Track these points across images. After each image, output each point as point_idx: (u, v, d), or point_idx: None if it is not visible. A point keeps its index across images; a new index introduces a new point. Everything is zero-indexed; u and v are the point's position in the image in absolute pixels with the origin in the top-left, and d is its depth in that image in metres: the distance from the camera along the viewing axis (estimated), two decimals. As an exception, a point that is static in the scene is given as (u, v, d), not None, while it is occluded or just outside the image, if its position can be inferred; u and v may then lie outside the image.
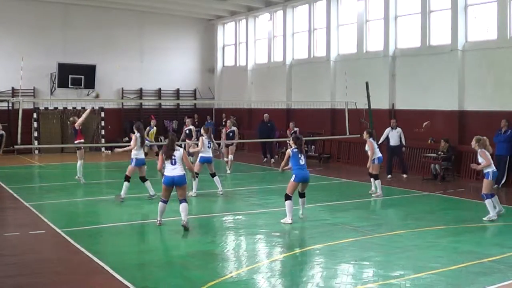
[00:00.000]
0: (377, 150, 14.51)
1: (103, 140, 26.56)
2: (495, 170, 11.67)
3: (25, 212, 12.39)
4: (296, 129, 21.64)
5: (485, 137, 11.79)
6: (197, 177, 13.68)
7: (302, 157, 11.15)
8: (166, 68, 28.69)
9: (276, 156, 23.26)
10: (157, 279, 7.75)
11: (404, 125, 18.18)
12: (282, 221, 11.12)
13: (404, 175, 17.88)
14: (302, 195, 11.38)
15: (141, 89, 28.35)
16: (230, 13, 28.48)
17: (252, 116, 27.03)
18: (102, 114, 27.08)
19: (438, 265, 8.17)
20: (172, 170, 10.41)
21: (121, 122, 27.36)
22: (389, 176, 17.62)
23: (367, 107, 18.99)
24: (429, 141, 18.60)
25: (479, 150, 11.55)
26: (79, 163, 16.17)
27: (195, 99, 29.34)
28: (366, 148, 14.55)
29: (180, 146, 11.44)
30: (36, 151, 25.52)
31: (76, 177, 16.21)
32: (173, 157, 10.43)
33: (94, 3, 26.77)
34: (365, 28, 21.47)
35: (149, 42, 28.38)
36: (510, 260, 8.52)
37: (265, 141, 22.18)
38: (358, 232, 10.42)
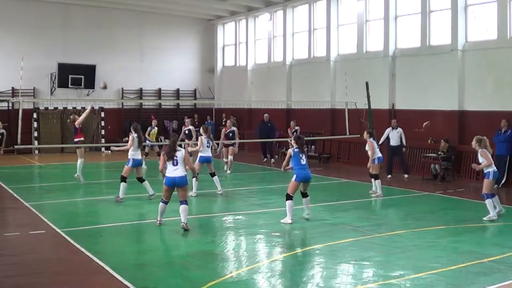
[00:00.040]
0: (377, 150, 14.51)
1: (103, 140, 26.56)
2: (496, 170, 11.67)
3: (25, 212, 12.39)
4: (297, 127, 21.64)
5: (485, 137, 11.79)
6: (193, 177, 13.72)
7: (304, 157, 11.15)
8: (166, 68, 28.69)
9: (276, 156, 23.28)
10: (157, 279, 7.74)
11: (404, 125, 18.18)
12: (282, 221, 11.12)
13: (406, 175, 17.87)
14: (304, 195, 11.37)
15: (141, 89, 28.35)
16: (230, 13, 28.48)
17: (252, 116, 27.03)
18: (102, 114, 27.09)
19: (438, 265, 8.17)
20: (174, 171, 10.40)
21: (121, 122, 27.36)
22: (389, 176, 17.61)
23: (367, 107, 18.98)
24: (429, 141, 18.60)
25: (479, 150, 11.55)
26: (79, 161, 16.18)
27: (195, 99, 29.35)
28: (366, 148, 14.54)
29: (180, 146, 11.42)
30: (36, 151, 25.53)
31: (76, 175, 16.22)
32: (175, 158, 10.42)
33: (94, 3, 26.78)
34: (365, 28, 21.47)
35: (149, 42, 28.38)
36: (510, 260, 8.52)
37: (265, 141, 22.18)
38: (358, 232, 10.42)
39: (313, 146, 22.92)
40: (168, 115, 28.67)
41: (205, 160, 14.34)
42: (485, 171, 11.58)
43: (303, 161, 11.12)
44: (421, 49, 19.24)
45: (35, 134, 25.59)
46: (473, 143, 11.72)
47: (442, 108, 18.35)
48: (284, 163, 11.49)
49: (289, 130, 22.01)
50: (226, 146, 19.00)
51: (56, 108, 26.04)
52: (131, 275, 7.76)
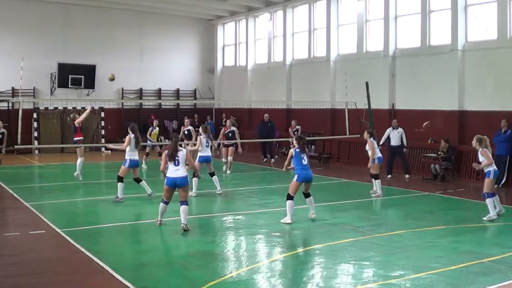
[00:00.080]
0: (378, 150, 14.51)
1: (103, 140, 26.56)
2: (496, 169, 11.67)
3: (25, 212, 12.39)
4: (298, 127, 21.60)
5: (486, 137, 11.80)
6: (197, 176, 13.72)
7: (305, 157, 11.14)
8: (166, 68, 28.70)
9: (276, 156, 23.28)
10: (157, 279, 7.74)
11: (404, 125, 18.18)
12: (282, 220, 11.12)
13: (407, 176, 17.84)
14: (307, 195, 11.36)
15: (141, 89, 28.36)
16: (230, 13, 28.48)
17: (252, 116, 27.03)
18: (102, 114, 27.09)
19: (438, 265, 8.17)
20: (175, 171, 10.39)
21: (121, 122, 27.31)
22: (389, 176, 17.61)
23: (367, 107, 18.98)
24: (429, 141, 18.60)
25: (480, 149, 11.54)
26: (79, 160, 16.19)
27: (195, 99, 29.35)
28: (367, 148, 14.54)
29: (181, 146, 11.42)
30: (36, 151, 25.54)
31: (75, 174, 16.22)
32: (176, 158, 10.43)
33: (94, 3, 26.78)
34: (365, 28, 21.47)
35: (149, 42, 28.39)
36: (510, 260, 8.52)
37: (265, 141, 22.18)
38: (358, 232, 10.42)
39: (313, 146, 22.91)
40: (168, 115, 28.67)
41: (204, 160, 14.33)
42: (485, 170, 11.58)
43: (305, 161, 11.11)
44: (421, 49, 19.24)
45: (35, 134, 25.59)
46: (474, 142, 11.72)
47: (442, 108, 18.35)
48: (286, 163, 11.50)
49: (290, 129, 22.01)
50: (226, 146, 18.96)
51: (56, 108, 26.04)
52: (131, 275, 7.76)
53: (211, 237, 10.17)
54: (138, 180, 13.59)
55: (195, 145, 14.90)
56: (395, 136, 17.83)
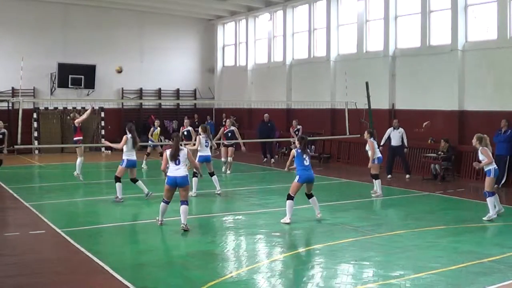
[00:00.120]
0: (377, 150, 14.50)
1: (103, 140, 26.52)
2: (496, 167, 11.68)
3: (25, 212, 12.39)
4: (299, 127, 21.56)
5: (486, 135, 11.81)
6: (197, 176, 13.74)
7: (307, 158, 11.14)
8: (166, 68, 28.69)
9: (276, 156, 23.28)
10: (157, 279, 7.74)
11: (404, 125, 18.17)
12: (281, 220, 11.12)
13: (407, 176, 17.83)
14: (309, 196, 11.36)
15: (141, 89, 28.36)
16: (230, 13, 28.48)
17: (252, 116, 27.03)
18: (102, 114, 27.09)
19: (438, 265, 8.17)
20: (175, 171, 10.40)
21: (121, 122, 27.26)
22: (389, 176, 17.61)
23: (367, 107, 18.98)
24: (429, 141, 18.60)
25: (480, 148, 11.54)
26: (78, 160, 16.20)
27: (195, 99, 29.35)
28: (367, 148, 14.54)
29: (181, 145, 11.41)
30: (36, 151, 25.54)
31: (75, 173, 16.23)
32: (177, 157, 10.43)
33: (94, 3, 26.78)
34: (365, 28, 21.47)
35: (149, 42, 28.39)
36: (510, 260, 8.52)
37: (265, 141, 22.18)
38: (358, 232, 10.42)
39: (313, 146, 22.90)
40: (168, 115, 28.66)
41: (204, 160, 14.33)
42: (486, 169, 11.59)
43: (306, 162, 11.12)
44: (421, 49, 19.24)
45: (35, 134, 25.59)
46: (474, 141, 11.72)
47: (442, 108, 18.35)
48: (288, 163, 11.52)
49: (291, 129, 21.97)
50: (226, 146, 18.90)
51: (56, 108, 26.04)
52: (131, 275, 7.76)
53: (211, 237, 10.17)
54: (134, 180, 13.58)
55: (194, 145, 14.88)
56: (395, 136, 17.82)
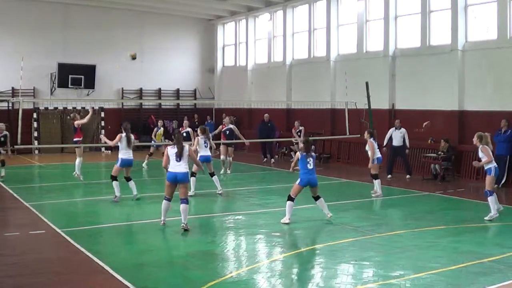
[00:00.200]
0: (377, 150, 14.50)
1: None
2: (496, 166, 11.67)
3: (25, 212, 12.39)
4: (301, 128, 21.53)
5: (487, 133, 11.80)
6: (195, 176, 13.72)
7: (311, 161, 11.14)
8: (166, 68, 28.69)
9: (276, 156, 23.28)
10: (157, 279, 7.74)
11: (404, 125, 18.16)
12: (281, 221, 11.12)
13: (408, 176, 17.82)
14: (316, 198, 11.36)
15: (141, 89, 28.36)
16: (230, 13, 28.48)
17: (252, 116, 27.03)
18: (102, 114, 27.09)
19: (438, 265, 8.17)
20: (176, 167, 10.43)
21: (121, 122, 27.28)
22: (389, 176, 17.61)
23: (367, 107, 18.99)
24: (429, 141, 18.60)
25: (480, 146, 11.54)
26: (77, 160, 16.20)
27: (195, 99, 29.35)
28: (367, 148, 14.54)
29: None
30: (36, 151, 25.53)
31: (75, 174, 16.23)
32: (182, 154, 10.45)
33: (94, 3, 26.78)
34: (365, 28, 21.47)
35: (149, 42, 28.38)
36: (510, 260, 8.52)
37: (265, 141, 22.17)
38: (358, 232, 10.42)
39: (313, 146, 22.86)
40: (168, 115, 28.62)
41: (204, 160, 14.30)
42: (486, 168, 11.59)
43: (310, 165, 11.12)
44: (421, 49, 19.24)
45: (35, 134, 25.59)
46: (474, 139, 11.72)
47: (442, 108, 18.35)
48: (293, 164, 11.56)
49: (293, 130, 21.88)
50: (225, 145, 18.85)
51: (56, 108, 26.03)
52: (131, 275, 7.76)
53: (211, 237, 10.17)
54: (128, 179, 13.57)
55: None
56: (397, 136, 17.82)
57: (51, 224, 10.96)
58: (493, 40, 17.15)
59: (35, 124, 25.64)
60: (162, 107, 28.81)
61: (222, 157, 18.86)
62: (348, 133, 18.70)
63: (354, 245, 9.50)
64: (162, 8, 27.90)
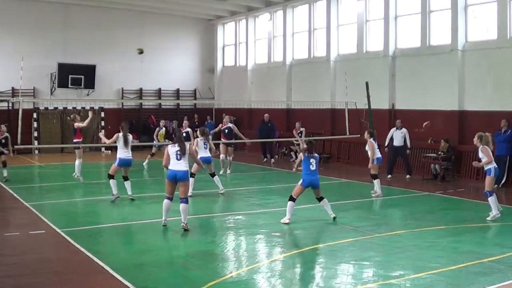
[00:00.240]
0: (377, 150, 14.50)
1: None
2: (496, 166, 11.67)
3: (25, 212, 12.39)
4: (302, 129, 21.48)
5: (487, 134, 11.80)
6: (194, 176, 13.72)
7: (314, 163, 11.17)
8: (166, 68, 28.69)
9: (276, 156, 23.27)
10: (157, 279, 7.74)
11: (404, 125, 18.15)
12: (281, 220, 11.13)
13: (408, 176, 17.81)
14: (319, 199, 11.37)
15: (141, 89, 28.36)
16: (230, 13, 28.48)
17: (252, 116, 27.03)
18: (102, 114, 27.09)
19: (438, 265, 8.17)
20: (176, 165, 10.45)
21: (121, 122, 27.24)
22: (389, 176, 17.61)
23: (367, 107, 18.98)
24: (429, 141, 18.60)
25: (480, 147, 11.53)
26: (77, 161, 16.21)
27: (195, 99, 29.35)
28: (366, 148, 14.54)
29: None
30: (36, 151, 25.53)
31: (75, 175, 16.23)
32: (178, 152, 10.45)
33: (94, 3, 26.78)
34: (365, 28, 21.47)
35: (149, 42, 28.37)
36: (510, 260, 8.52)
37: (265, 141, 22.17)
38: (358, 232, 10.42)
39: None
40: (168, 115, 28.59)
41: (204, 161, 14.26)
42: (486, 168, 11.58)
43: (313, 167, 11.15)
44: (421, 49, 19.24)
45: (35, 134, 25.59)
46: (475, 139, 11.72)
47: (442, 108, 18.35)
48: (296, 164, 11.57)
49: (294, 131, 21.80)
50: (224, 144, 18.83)
51: (56, 108, 26.03)
52: (131, 275, 7.76)
53: (211, 237, 10.18)
54: (125, 178, 13.56)
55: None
56: (398, 136, 17.81)
57: (51, 224, 10.97)
58: (493, 40, 17.15)
59: (35, 124, 25.64)
60: (162, 107, 28.81)
61: (221, 156, 18.88)
62: (348, 133, 18.68)
63: (354, 245, 9.50)
64: (162, 8, 27.90)
